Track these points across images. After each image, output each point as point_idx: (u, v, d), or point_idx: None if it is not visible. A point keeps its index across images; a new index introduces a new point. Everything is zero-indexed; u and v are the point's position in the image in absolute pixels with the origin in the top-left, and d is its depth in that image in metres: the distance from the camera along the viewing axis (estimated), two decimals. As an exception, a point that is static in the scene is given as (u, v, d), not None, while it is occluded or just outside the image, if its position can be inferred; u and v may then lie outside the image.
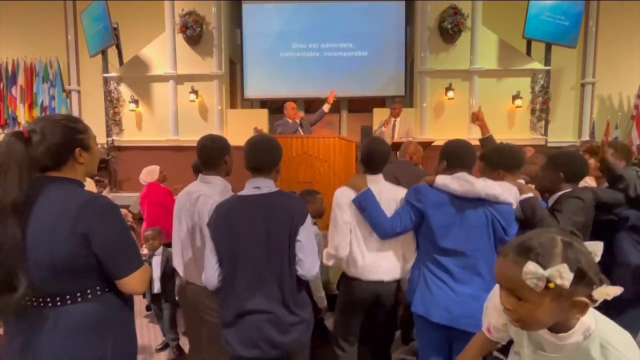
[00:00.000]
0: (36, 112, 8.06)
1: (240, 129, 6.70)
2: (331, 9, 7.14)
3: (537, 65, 6.45)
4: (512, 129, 6.50)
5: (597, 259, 0.82)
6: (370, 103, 7.48)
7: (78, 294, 1.13)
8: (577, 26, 6.35)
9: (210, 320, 1.75)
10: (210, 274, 1.54)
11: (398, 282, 1.96)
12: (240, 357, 1.53)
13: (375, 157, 1.92)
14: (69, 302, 1.11)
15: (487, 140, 2.44)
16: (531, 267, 0.79)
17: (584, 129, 7.42)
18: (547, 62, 6.48)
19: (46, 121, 1.14)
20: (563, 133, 7.23)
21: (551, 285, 0.77)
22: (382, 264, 1.89)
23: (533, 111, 6.49)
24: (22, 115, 8.06)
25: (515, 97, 6.38)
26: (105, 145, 6.64)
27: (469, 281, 1.68)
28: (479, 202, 1.69)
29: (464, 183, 1.69)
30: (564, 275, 0.76)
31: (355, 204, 1.86)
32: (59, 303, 1.11)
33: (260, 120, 6.77)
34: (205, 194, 1.76)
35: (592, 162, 2.28)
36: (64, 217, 1.08)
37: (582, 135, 7.40)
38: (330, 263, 1.95)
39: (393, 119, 5.45)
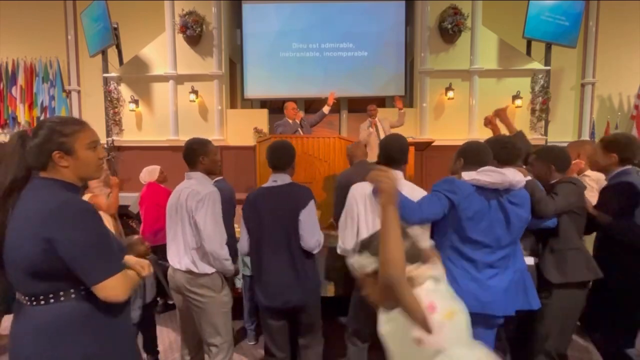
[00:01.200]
0: (36, 112, 8.06)
1: (240, 129, 6.71)
2: (331, 9, 7.15)
3: (537, 65, 6.46)
4: (512, 129, 6.49)
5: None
6: (370, 103, 7.46)
7: (51, 296, 1.12)
8: (577, 26, 6.36)
9: (192, 301, 2.08)
10: (243, 243, 2.13)
11: None
12: (266, 307, 2.11)
13: (394, 153, 2.03)
14: (42, 302, 1.12)
15: (516, 138, 2.42)
16: (351, 260, 1.15)
17: (584, 129, 7.42)
18: (547, 62, 6.48)
19: (44, 121, 1.18)
20: (563, 133, 7.23)
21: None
22: None
23: (533, 111, 6.49)
24: (22, 115, 8.06)
25: (515, 97, 6.38)
26: (105, 145, 6.64)
27: (492, 270, 1.78)
28: (497, 193, 1.77)
29: (493, 174, 1.73)
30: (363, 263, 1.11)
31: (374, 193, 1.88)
32: (34, 303, 1.13)
33: (260, 120, 6.77)
34: (186, 186, 2.11)
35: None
36: (33, 219, 1.09)
37: (582, 135, 7.40)
38: (339, 251, 2.13)
39: (371, 120, 5.40)
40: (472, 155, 1.87)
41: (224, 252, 2.01)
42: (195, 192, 1.98)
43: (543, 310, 1.97)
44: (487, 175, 1.74)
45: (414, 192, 1.93)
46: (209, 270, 2.03)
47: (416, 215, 1.76)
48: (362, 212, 2.00)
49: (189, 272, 2.04)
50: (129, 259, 1.43)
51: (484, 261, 1.77)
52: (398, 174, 1.94)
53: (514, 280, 1.81)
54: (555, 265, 2.05)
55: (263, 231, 2.04)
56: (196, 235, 2.00)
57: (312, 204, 2.03)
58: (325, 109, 5.21)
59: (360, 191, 2.02)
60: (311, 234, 2.02)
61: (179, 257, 2.07)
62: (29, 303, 1.13)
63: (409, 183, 2.02)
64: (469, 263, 1.77)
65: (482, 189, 1.76)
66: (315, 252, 2.08)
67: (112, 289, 1.13)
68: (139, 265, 1.44)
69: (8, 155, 1.16)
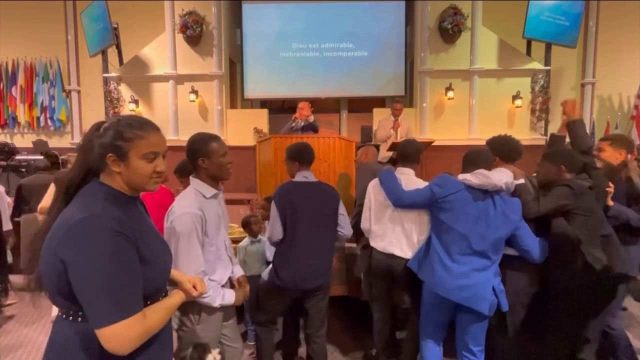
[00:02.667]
0: (36, 112, 8.06)
1: (240, 129, 6.71)
2: (331, 9, 7.15)
3: (537, 65, 6.46)
4: (512, 129, 6.50)
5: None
6: (370, 103, 7.48)
7: (71, 312, 1.01)
8: (577, 26, 6.36)
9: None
10: (276, 231, 2.21)
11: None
12: (287, 289, 2.22)
13: (411, 153, 2.38)
14: (63, 317, 1.03)
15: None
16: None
17: (584, 129, 7.41)
18: (547, 62, 6.48)
19: (117, 118, 1.09)
20: (563, 133, 7.22)
21: None
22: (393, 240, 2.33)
23: (533, 111, 6.49)
24: (22, 115, 8.06)
25: (515, 97, 6.38)
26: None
27: (466, 261, 1.96)
28: (488, 193, 2.00)
29: (480, 177, 1.97)
30: None
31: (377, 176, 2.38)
32: (63, 316, 1.04)
33: (260, 120, 6.77)
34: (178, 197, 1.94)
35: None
36: (58, 232, 0.98)
37: (582, 135, 7.40)
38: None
39: (396, 118, 5.47)
40: (468, 159, 2.13)
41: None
42: (172, 211, 1.64)
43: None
44: (476, 177, 1.98)
45: (419, 186, 2.26)
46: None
47: (398, 201, 2.20)
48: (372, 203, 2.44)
49: None
50: (178, 275, 1.34)
51: (458, 252, 1.98)
52: (409, 171, 2.35)
53: (481, 279, 1.96)
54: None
55: (298, 221, 2.19)
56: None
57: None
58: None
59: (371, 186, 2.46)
60: (348, 224, 2.37)
61: None
62: (58, 314, 1.05)
63: (418, 180, 2.33)
64: (444, 251, 2.02)
65: (472, 189, 2.00)
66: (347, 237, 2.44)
67: (111, 338, 0.94)
68: (190, 283, 1.32)
69: (81, 146, 1.09)
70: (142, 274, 1.02)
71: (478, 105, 6.51)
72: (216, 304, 1.64)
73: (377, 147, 5.41)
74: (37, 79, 8.00)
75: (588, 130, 7.29)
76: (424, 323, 2.19)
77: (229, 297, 1.73)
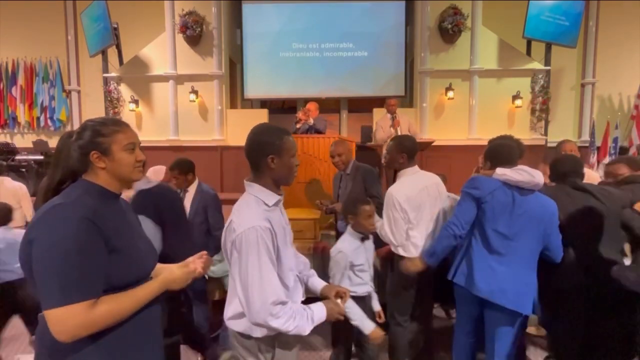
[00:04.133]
0: (36, 112, 8.06)
1: (240, 129, 6.70)
2: (331, 9, 7.15)
3: (537, 65, 6.46)
4: (512, 129, 6.50)
5: None
6: (370, 103, 7.48)
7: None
8: (577, 26, 6.36)
9: None
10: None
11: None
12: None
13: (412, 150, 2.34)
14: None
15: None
16: None
17: (584, 129, 7.42)
18: (547, 62, 6.48)
19: (86, 122, 1.16)
20: (563, 133, 7.23)
21: None
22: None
23: (533, 111, 6.49)
24: (22, 115, 8.06)
25: (515, 97, 6.38)
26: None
27: (507, 261, 1.89)
28: (529, 191, 1.92)
29: (524, 174, 1.89)
30: None
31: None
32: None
33: (260, 120, 6.75)
34: (234, 209, 1.58)
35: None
36: (35, 216, 1.04)
37: (582, 135, 7.41)
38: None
39: (393, 115, 5.37)
40: (501, 155, 2.03)
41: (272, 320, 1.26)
42: (230, 228, 1.30)
43: None
44: (518, 174, 1.89)
45: (432, 178, 2.33)
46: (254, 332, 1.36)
47: (454, 230, 1.98)
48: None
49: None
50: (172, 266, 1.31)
51: (499, 251, 1.91)
52: (416, 168, 2.33)
53: (517, 277, 1.90)
54: None
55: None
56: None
57: None
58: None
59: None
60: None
61: None
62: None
63: (422, 172, 2.35)
64: (487, 250, 1.93)
65: (508, 186, 1.92)
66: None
67: (52, 322, 0.94)
68: (193, 263, 1.33)
69: (57, 157, 1.15)
70: (109, 264, 1.03)
71: (478, 105, 6.50)
72: (308, 331, 1.31)
73: (379, 147, 5.42)
74: (37, 79, 8.00)
75: (588, 131, 7.31)
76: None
77: (319, 313, 1.36)
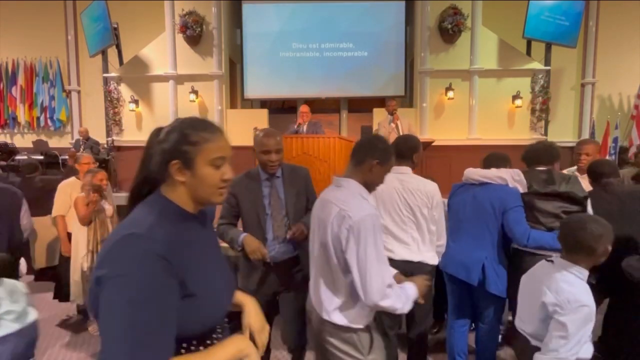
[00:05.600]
0: (36, 112, 8.07)
1: (240, 129, 6.70)
2: (331, 9, 7.15)
3: (537, 65, 6.46)
4: (512, 128, 6.51)
5: None
6: (370, 103, 7.48)
7: None
8: (577, 26, 6.36)
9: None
10: None
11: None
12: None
13: (403, 150, 2.17)
14: None
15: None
16: None
17: (584, 129, 7.42)
18: (547, 62, 6.48)
19: (176, 121, 0.93)
20: (563, 133, 7.23)
21: None
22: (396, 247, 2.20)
23: (533, 111, 6.49)
24: (22, 115, 8.07)
25: (515, 97, 6.38)
26: (105, 145, 6.64)
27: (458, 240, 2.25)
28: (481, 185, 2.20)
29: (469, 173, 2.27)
30: None
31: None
32: None
33: (260, 120, 6.77)
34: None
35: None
36: (105, 244, 0.84)
37: (582, 135, 7.41)
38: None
39: (393, 117, 5.44)
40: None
41: (385, 300, 1.33)
42: (343, 215, 1.35)
43: None
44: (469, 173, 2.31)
45: (426, 186, 2.09)
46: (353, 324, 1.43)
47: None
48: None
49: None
50: (249, 315, 1.07)
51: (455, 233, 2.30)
52: (405, 169, 2.13)
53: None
54: None
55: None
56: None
57: None
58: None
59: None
60: None
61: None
62: None
63: (416, 176, 2.13)
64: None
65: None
66: None
67: None
68: (258, 335, 1.05)
69: (143, 156, 0.95)
70: (181, 313, 0.81)
71: (478, 105, 6.51)
72: (407, 310, 1.38)
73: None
74: (37, 79, 8.01)
75: (588, 130, 7.31)
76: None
77: (413, 293, 1.42)
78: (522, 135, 6.41)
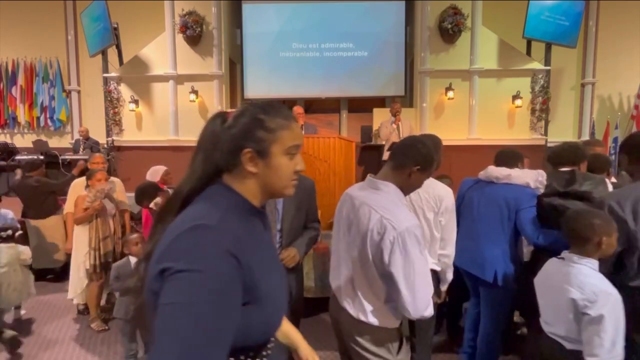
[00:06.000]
0: (36, 112, 8.07)
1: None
2: (331, 9, 7.15)
3: (537, 65, 6.45)
4: (512, 129, 6.50)
5: None
6: (370, 103, 7.48)
7: None
8: (577, 26, 6.36)
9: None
10: None
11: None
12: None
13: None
14: None
15: None
16: None
17: (584, 129, 7.43)
18: (547, 62, 6.48)
19: (247, 106, 0.84)
20: (563, 133, 7.23)
21: None
22: None
23: (533, 111, 6.49)
24: (22, 115, 8.07)
25: (515, 97, 6.38)
26: (105, 145, 6.64)
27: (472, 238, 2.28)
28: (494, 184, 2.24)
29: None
30: None
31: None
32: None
33: (260, 120, 6.77)
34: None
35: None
36: (166, 238, 0.73)
37: (582, 135, 7.41)
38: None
39: (395, 118, 5.61)
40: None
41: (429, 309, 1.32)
42: (385, 225, 1.30)
43: None
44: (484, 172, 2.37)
45: (435, 189, 1.99)
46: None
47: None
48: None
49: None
50: (294, 335, 1.06)
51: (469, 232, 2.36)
52: None
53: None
54: None
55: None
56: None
57: None
58: None
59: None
60: None
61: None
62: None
63: (430, 178, 1.96)
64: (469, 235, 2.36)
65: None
66: None
67: None
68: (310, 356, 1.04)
69: (204, 144, 0.84)
70: (247, 317, 0.73)
71: (478, 105, 6.50)
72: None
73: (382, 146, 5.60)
74: (37, 79, 8.01)
75: (588, 130, 7.31)
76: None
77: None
78: (522, 135, 6.41)
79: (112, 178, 3.85)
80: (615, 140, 6.77)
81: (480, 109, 6.49)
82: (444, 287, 2.06)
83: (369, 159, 6.05)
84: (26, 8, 7.83)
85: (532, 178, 2.14)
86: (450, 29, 6.24)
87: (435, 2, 6.39)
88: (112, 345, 2.95)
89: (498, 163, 2.31)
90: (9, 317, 3.29)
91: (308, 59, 7.26)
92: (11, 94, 8.04)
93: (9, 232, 2.95)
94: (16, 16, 7.89)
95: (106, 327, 3.12)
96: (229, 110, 0.78)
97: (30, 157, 6.66)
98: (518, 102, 6.36)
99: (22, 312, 3.44)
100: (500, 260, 2.14)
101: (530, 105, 6.48)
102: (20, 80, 8.01)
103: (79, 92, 8.07)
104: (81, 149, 6.71)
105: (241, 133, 0.79)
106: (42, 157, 6.68)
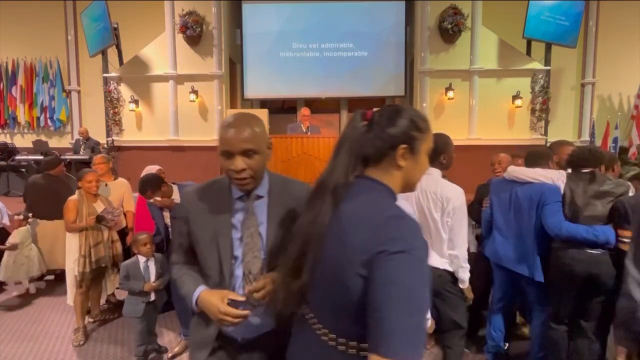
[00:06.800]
0: (36, 112, 8.07)
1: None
2: (331, 9, 7.15)
3: (537, 65, 6.45)
4: (512, 129, 6.50)
5: None
6: (370, 103, 7.48)
7: (352, 344, 0.82)
8: (577, 26, 6.36)
9: None
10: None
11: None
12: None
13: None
14: (341, 347, 0.83)
15: None
16: None
17: (584, 129, 7.43)
18: (547, 62, 6.48)
19: (394, 108, 0.95)
20: (563, 133, 7.23)
21: None
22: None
23: (533, 111, 6.49)
24: (22, 115, 8.07)
25: (515, 97, 6.38)
26: (106, 145, 6.64)
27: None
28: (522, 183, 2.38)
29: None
30: None
31: None
32: (331, 341, 0.85)
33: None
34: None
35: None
36: (359, 228, 0.80)
37: (582, 135, 7.41)
38: None
39: None
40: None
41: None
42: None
43: None
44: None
45: (443, 189, 1.94)
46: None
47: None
48: None
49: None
50: None
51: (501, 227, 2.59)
52: (431, 170, 1.94)
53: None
54: None
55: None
56: None
57: None
58: None
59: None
60: None
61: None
62: (331, 342, 0.85)
63: (440, 179, 1.98)
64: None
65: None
66: None
67: None
68: None
69: (349, 141, 0.91)
70: None
71: (478, 105, 6.50)
72: None
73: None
74: (37, 79, 8.01)
75: (588, 130, 7.31)
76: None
77: None
78: (522, 135, 6.41)
79: (120, 179, 3.82)
80: (615, 140, 6.76)
81: (480, 109, 6.49)
82: (462, 286, 2.06)
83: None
84: (26, 8, 7.83)
85: (556, 177, 2.27)
86: (450, 29, 6.24)
87: (435, 2, 6.39)
88: (111, 347, 2.96)
89: (529, 163, 2.42)
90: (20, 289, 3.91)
91: (308, 59, 7.26)
92: (11, 94, 8.04)
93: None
94: (16, 16, 7.90)
95: (81, 343, 2.96)
96: (367, 110, 0.93)
97: (23, 157, 6.66)
98: (518, 102, 6.36)
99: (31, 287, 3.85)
100: (532, 255, 2.30)
101: (530, 105, 6.48)
102: (20, 80, 8.01)
103: (79, 92, 8.08)
104: (81, 149, 6.72)
105: (400, 132, 0.89)
106: (41, 157, 6.70)
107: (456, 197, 1.92)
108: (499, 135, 6.36)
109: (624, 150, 6.74)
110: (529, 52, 6.56)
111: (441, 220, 1.93)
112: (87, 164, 6.15)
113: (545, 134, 6.52)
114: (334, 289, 0.82)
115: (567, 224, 2.14)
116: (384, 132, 0.89)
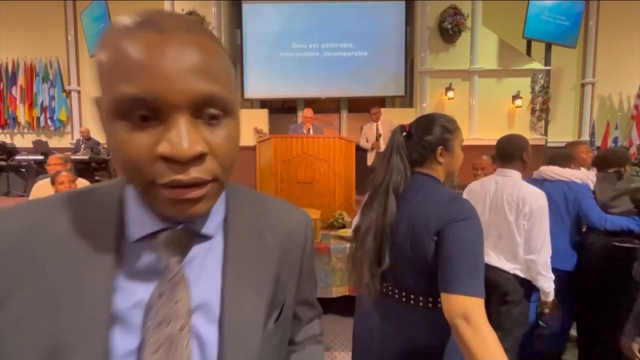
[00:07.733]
0: (36, 112, 8.06)
1: (240, 129, 6.70)
2: (331, 9, 7.15)
3: (537, 65, 6.46)
4: (512, 129, 6.50)
5: None
6: (370, 103, 7.47)
7: (430, 299, 1.07)
8: (577, 26, 6.36)
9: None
10: None
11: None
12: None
13: (509, 150, 2.17)
14: (421, 303, 1.08)
15: None
16: None
17: (584, 129, 7.42)
18: (547, 62, 6.48)
19: (427, 119, 1.21)
20: (563, 133, 7.24)
21: None
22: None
23: (533, 111, 6.49)
24: (22, 115, 8.06)
25: (515, 97, 6.38)
26: (105, 146, 6.63)
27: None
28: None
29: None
30: None
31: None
32: (412, 301, 1.09)
33: (260, 120, 6.78)
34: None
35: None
36: (427, 210, 1.07)
37: (582, 135, 7.41)
38: None
39: (375, 123, 5.53)
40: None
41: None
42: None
43: None
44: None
45: (520, 191, 1.90)
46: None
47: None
48: None
49: None
50: None
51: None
52: (509, 172, 2.04)
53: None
54: None
55: None
56: None
57: None
58: None
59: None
60: None
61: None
62: (405, 300, 1.11)
63: (519, 181, 1.96)
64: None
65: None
66: None
67: (455, 305, 0.91)
68: None
69: (396, 148, 1.19)
70: None
71: (478, 105, 6.51)
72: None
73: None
74: (37, 79, 8.00)
75: (588, 131, 7.30)
76: None
77: None
78: (522, 135, 6.41)
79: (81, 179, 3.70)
80: (615, 140, 6.77)
81: (480, 109, 6.49)
82: (544, 297, 1.87)
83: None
84: (26, 8, 7.82)
85: (585, 176, 2.36)
86: (450, 29, 6.25)
87: (435, 2, 6.39)
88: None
89: (551, 164, 2.47)
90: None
91: (308, 59, 7.26)
92: (11, 94, 8.04)
93: None
94: (16, 16, 7.89)
95: None
96: (405, 124, 1.24)
97: (23, 157, 6.66)
98: (518, 102, 6.37)
99: None
100: (570, 251, 2.33)
101: (530, 106, 6.48)
102: (20, 80, 8.01)
103: (79, 92, 8.07)
104: (82, 149, 6.71)
105: (436, 138, 1.17)
106: (41, 157, 6.70)
107: (534, 199, 1.84)
108: (499, 135, 6.23)
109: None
110: (529, 52, 6.56)
111: (515, 223, 1.85)
112: (87, 164, 6.16)
113: (545, 134, 6.52)
114: (414, 256, 1.06)
115: (610, 216, 2.22)
116: (423, 139, 1.17)
